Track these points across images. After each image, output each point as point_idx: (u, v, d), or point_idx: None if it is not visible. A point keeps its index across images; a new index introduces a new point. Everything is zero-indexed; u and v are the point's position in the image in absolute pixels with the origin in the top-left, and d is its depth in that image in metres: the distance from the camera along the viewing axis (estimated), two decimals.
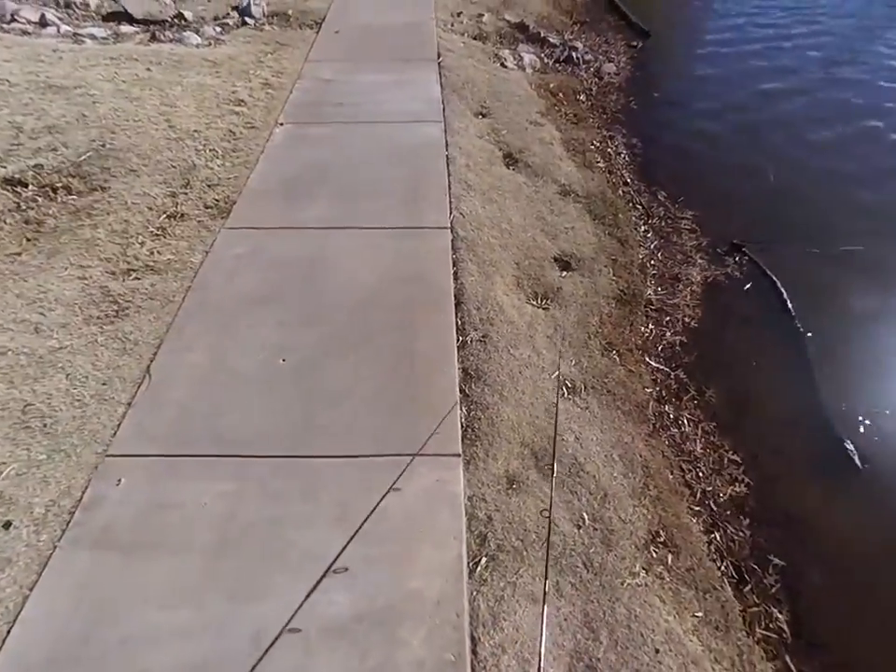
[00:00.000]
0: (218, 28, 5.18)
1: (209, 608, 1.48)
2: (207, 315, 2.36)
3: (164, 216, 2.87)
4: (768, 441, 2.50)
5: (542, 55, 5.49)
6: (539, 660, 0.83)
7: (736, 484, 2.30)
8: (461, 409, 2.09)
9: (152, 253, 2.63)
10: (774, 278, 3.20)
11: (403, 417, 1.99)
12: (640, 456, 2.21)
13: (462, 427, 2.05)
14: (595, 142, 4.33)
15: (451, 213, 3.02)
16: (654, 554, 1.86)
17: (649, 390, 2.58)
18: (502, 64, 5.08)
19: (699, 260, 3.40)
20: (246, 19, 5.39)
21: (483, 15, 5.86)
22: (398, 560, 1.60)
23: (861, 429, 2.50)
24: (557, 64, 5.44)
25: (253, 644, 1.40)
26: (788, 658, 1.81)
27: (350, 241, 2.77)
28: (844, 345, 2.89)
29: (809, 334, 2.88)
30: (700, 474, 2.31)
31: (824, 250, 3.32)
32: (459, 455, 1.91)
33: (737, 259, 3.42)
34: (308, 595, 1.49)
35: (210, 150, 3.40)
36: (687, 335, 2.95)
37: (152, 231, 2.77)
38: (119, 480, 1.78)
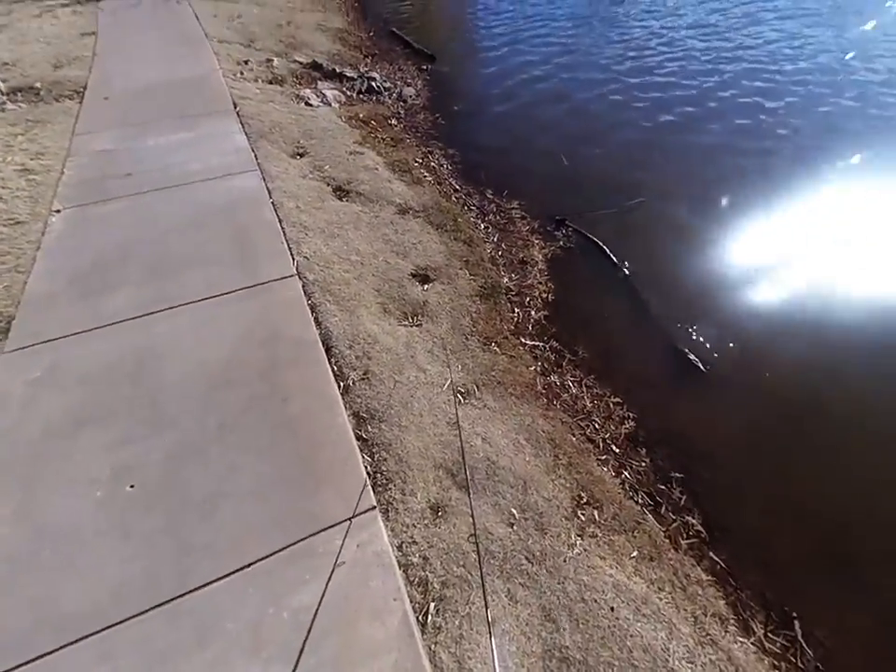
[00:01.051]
0: None
1: None
2: (7, 469, 1.81)
3: None
4: (634, 375, 2.86)
5: (344, 89, 5.62)
6: None
7: (626, 423, 2.58)
8: (362, 457, 1.95)
9: None
10: (594, 239, 3.72)
11: (298, 496, 1.76)
12: (544, 432, 2.32)
13: (369, 475, 1.90)
14: (417, 159, 4.56)
15: (293, 259, 2.85)
16: (583, 517, 1.96)
17: (532, 368, 2.75)
18: (307, 103, 5.06)
19: (536, 241, 3.78)
20: None
21: (273, 60, 5.79)
22: (347, 656, 1.39)
23: (694, 338, 3.02)
24: (361, 95, 5.63)
25: None
26: (711, 554, 2.06)
27: (179, 321, 2.40)
28: (661, 275, 3.47)
29: (634, 275, 3.41)
30: (596, 426, 2.53)
31: (620, 207, 3.99)
32: (374, 508, 1.76)
33: (564, 231, 3.90)
34: None
35: None
36: (548, 308, 3.24)
37: None
38: None
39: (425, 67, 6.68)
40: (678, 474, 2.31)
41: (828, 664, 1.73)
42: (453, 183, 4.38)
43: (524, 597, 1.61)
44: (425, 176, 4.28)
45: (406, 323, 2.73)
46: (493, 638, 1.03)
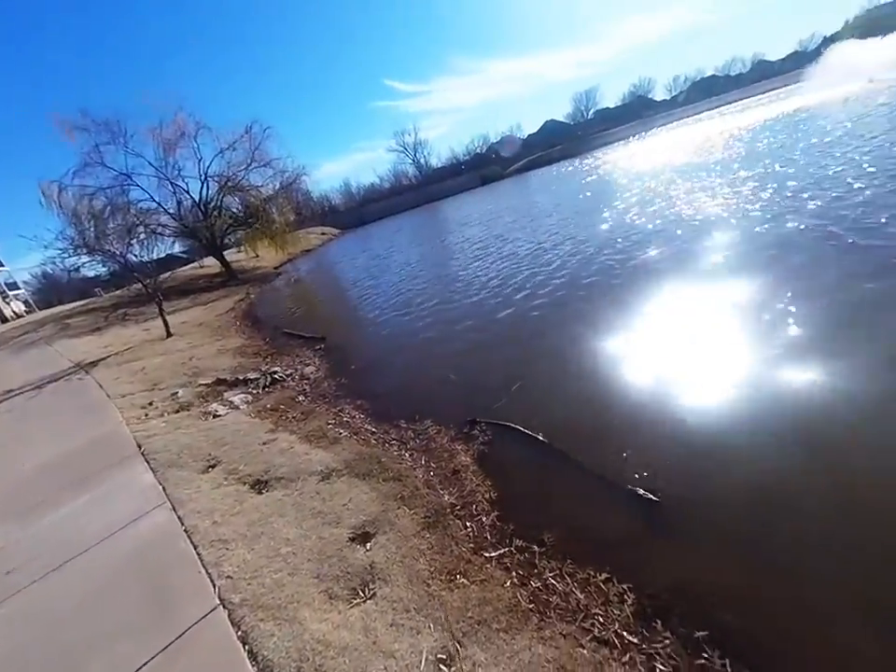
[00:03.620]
0: None
1: None
2: None
3: None
4: (604, 537, 2.73)
5: (250, 390, 6.24)
6: None
7: (626, 598, 2.33)
8: None
9: None
10: (507, 423, 4.07)
11: None
12: (549, 661, 1.96)
13: None
14: (329, 422, 4.90)
15: (215, 586, 2.53)
16: None
17: (507, 583, 2.50)
18: (214, 416, 5.42)
19: (459, 447, 3.99)
20: None
21: (177, 391, 6.37)
22: None
23: (636, 475, 3.11)
24: (266, 389, 6.27)
25: None
26: None
27: None
28: (576, 431, 3.75)
29: (555, 441, 3.66)
30: (601, 620, 2.23)
31: (508, 396, 4.57)
32: None
33: (479, 428, 4.22)
34: None
35: None
36: (496, 507, 3.19)
37: None
38: None
39: (318, 347, 7.92)
40: (702, 633, 2.02)
41: None
42: (368, 428, 4.68)
43: None
44: (340, 434, 4.54)
45: (358, 600, 2.41)
46: None
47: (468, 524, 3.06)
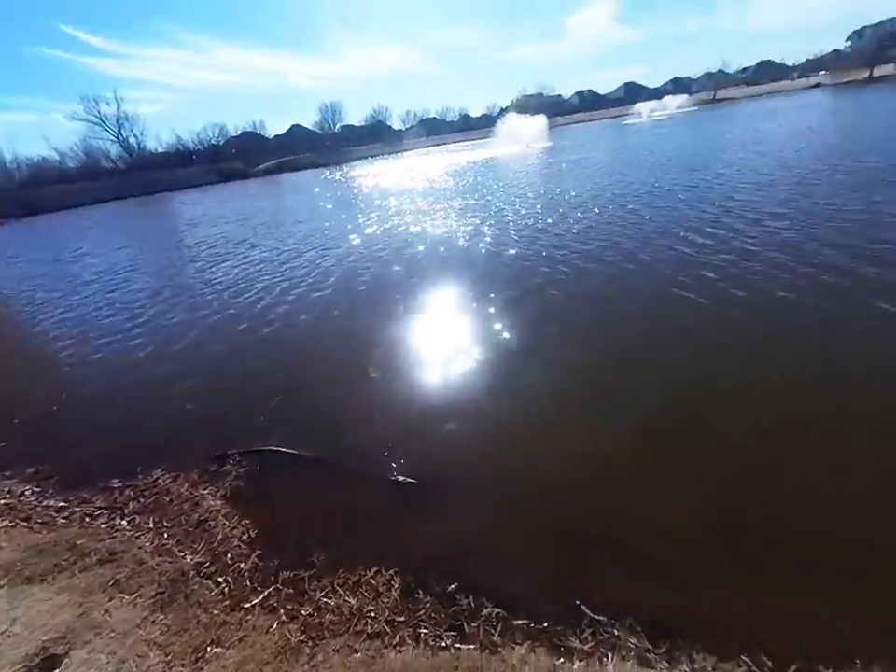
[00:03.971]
0: None
1: None
2: None
3: None
4: (372, 531, 2.83)
5: None
6: None
7: (392, 583, 2.46)
8: None
9: None
10: (266, 448, 3.66)
11: None
12: None
13: None
14: None
15: None
16: None
17: (275, 625, 2.23)
18: None
19: (205, 491, 3.31)
20: None
21: None
22: None
23: (394, 465, 3.33)
24: None
25: None
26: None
27: None
28: (340, 441, 3.73)
29: (320, 453, 3.53)
30: (373, 614, 2.27)
31: (267, 413, 4.14)
32: None
33: (231, 461, 3.62)
34: None
35: None
36: (256, 545, 2.81)
37: None
38: None
39: None
40: (452, 585, 2.37)
41: None
42: (51, 505, 3.30)
43: None
44: None
45: None
46: None
47: (220, 579, 2.57)
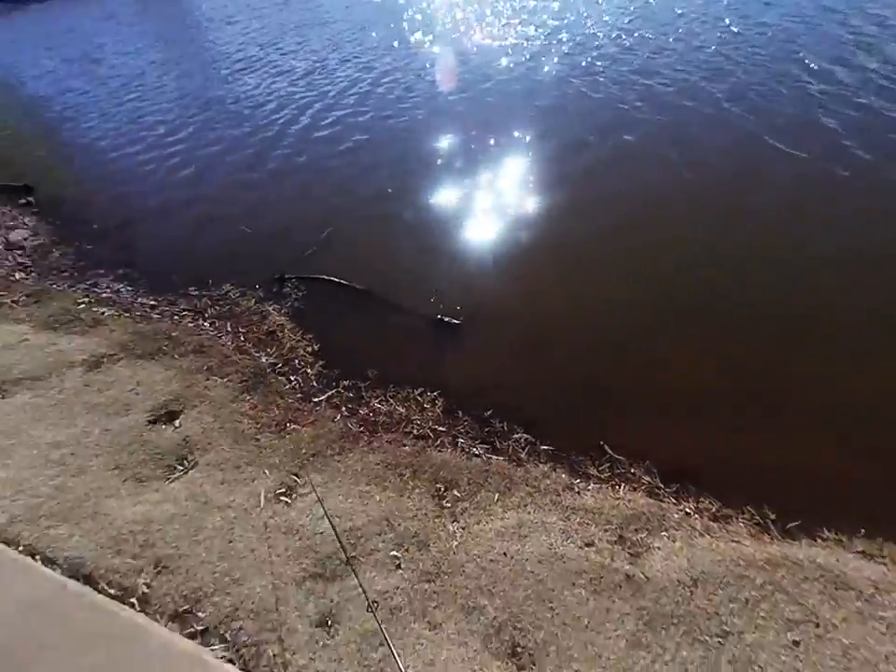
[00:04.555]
0: None
1: None
2: None
3: None
4: (416, 361, 3.16)
5: None
6: None
7: (437, 403, 2.84)
8: (212, 652, 1.54)
9: None
10: (320, 276, 3.87)
11: None
12: (378, 464, 2.34)
13: (234, 661, 1.52)
14: (79, 301, 3.71)
15: None
16: (449, 504, 2.08)
17: (337, 418, 2.71)
18: None
19: (270, 308, 3.66)
20: None
21: None
22: None
23: (443, 305, 3.47)
24: None
25: None
26: (541, 446, 2.52)
27: None
28: (392, 275, 3.86)
29: (371, 286, 3.72)
30: (418, 422, 2.69)
31: (318, 244, 4.24)
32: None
33: (289, 285, 3.89)
34: None
35: None
36: (320, 357, 3.21)
37: None
38: None
39: (24, 202, 5.41)
40: (488, 412, 2.71)
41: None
42: (145, 302, 3.78)
43: (442, 617, 1.61)
44: (103, 313, 3.55)
45: (177, 474, 2.25)
46: None
47: (292, 378, 3.04)
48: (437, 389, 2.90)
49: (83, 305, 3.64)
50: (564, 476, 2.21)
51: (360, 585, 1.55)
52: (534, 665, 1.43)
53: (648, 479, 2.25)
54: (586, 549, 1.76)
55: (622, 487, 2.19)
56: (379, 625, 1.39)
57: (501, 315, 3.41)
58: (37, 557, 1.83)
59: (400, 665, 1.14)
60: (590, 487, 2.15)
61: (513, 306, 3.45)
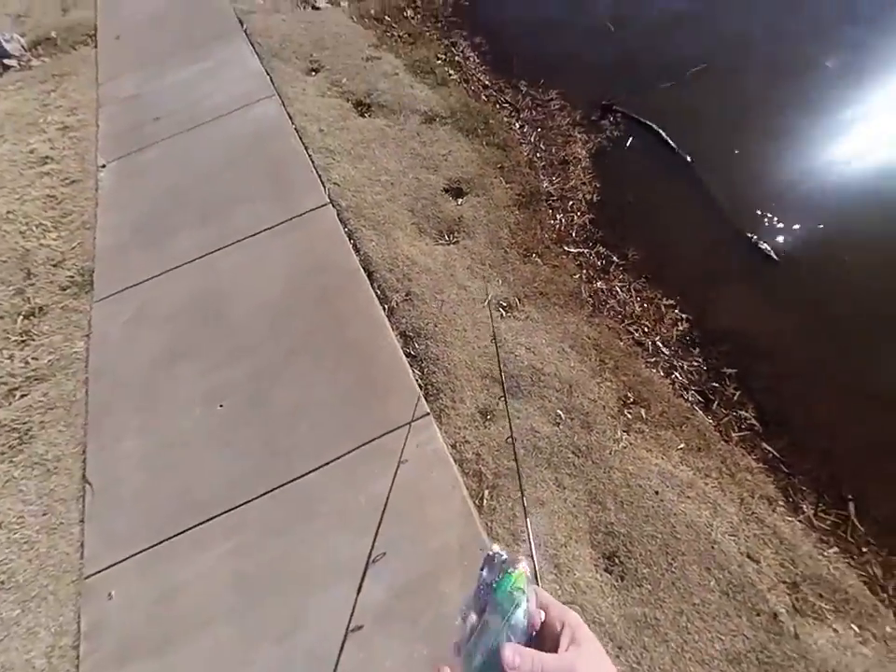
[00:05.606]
0: None
1: None
2: (121, 395, 2.16)
3: (21, 317, 2.52)
4: (694, 273, 2.68)
5: None
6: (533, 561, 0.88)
7: (679, 324, 2.48)
8: (413, 371, 2.09)
9: (27, 362, 2.33)
10: (648, 123, 3.27)
11: (363, 406, 1.96)
12: (589, 338, 2.31)
13: (421, 387, 2.05)
14: (439, 55, 4.09)
15: (325, 187, 2.83)
16: (629, 415, 2.01)
17: (576, 276, 2.66)
18: (313, 7, 4.59)
19: (578, 135, 3.40)
20: (6, 62, 4.51)
21: None
22: (417, 530, 1.64)
23: (767, 225, 2.71)
24: None
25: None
26: (764, 444, 2.06)
27: (236, 258, 2.56)
28: (724, 160, 3.05)
29: (696, 160, 3.02)
30: (645, 329, 2.46)
31: (677, 80, 3.40)
32: (428, 414, 1.93)
33: (611, 118, 3.45)
34: None
35: (37, 226, 2.95)
36: (593, 210, 3.01)
37: (16, 340, 2.43)
38: (109, 593, 1.68)
39: None
40: (732, 370, 2.24)
41: (880, 539, 1.76)
42: (481, 79, 3.93)
43: (570, 484, 1.75)
44: (450, 75, 3.87)
45: (443, 241, 2.70)
46: (528, 518, 1.17)
47: (558, 216, 2.99)
48: (688, 313, 2.49)
49: (440, 61, 4.01)
50: (771, 488, 1.82)
51: (507, 410, 1.74)
52: (622, 579, 1.51)
53: (872, 558, 1.69)
54: (746, 559, 1.55)
55: (832, 548, 1.71)
56: (516, 459, 1.58)
57: (837, 279, 2.44)
58: (350, 241, 2.60)
59: (524, 502, 1.32)
60: (796, 521, 1.74)
61: (861, 277, 2.39)
